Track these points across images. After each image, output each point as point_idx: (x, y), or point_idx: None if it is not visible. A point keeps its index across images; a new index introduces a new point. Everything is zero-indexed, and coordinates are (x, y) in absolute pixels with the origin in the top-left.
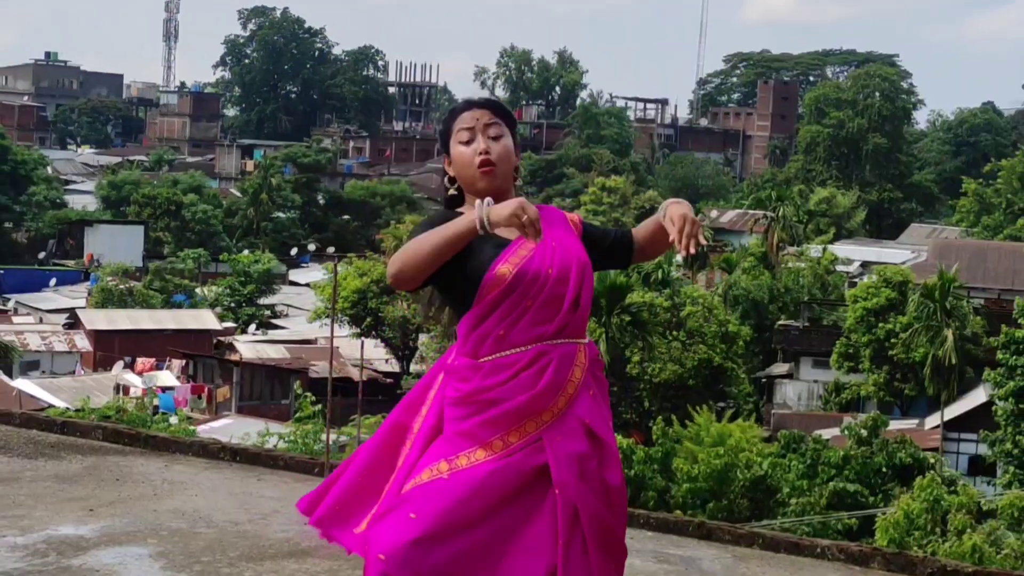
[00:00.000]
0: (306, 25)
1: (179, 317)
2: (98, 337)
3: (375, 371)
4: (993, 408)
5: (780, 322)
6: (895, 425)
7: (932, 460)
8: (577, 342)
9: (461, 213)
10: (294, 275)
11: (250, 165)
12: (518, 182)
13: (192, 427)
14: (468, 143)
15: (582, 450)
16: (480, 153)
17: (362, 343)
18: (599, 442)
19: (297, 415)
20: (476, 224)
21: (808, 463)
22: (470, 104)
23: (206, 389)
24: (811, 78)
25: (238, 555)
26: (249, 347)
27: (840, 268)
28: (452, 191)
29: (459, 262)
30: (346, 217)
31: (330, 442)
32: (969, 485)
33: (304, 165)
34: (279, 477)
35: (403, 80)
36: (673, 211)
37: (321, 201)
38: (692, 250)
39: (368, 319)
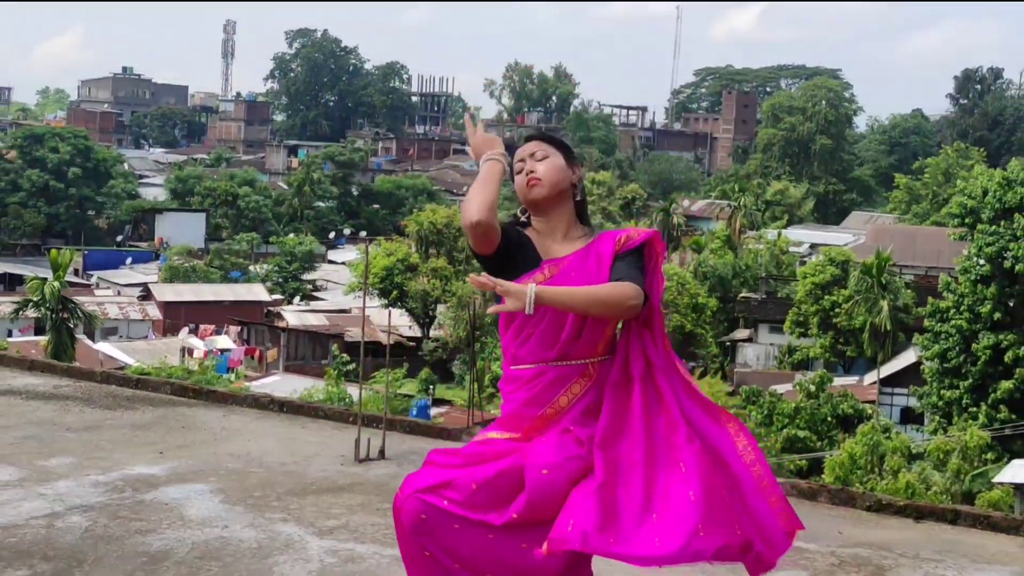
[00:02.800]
0: (342, 44)
1: (235, 290)
2: (167, 307)
3: (400, 335)
4: (921, 367)
5: (742, 295)
6: (839, 381)
7: (870, 411)
8: (581, 362)
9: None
10: (332, 255)
11: (295, 162)
12: (578, 197)
13: (247, 383)
14: (521, 166)
15: (553, 460)
16: (527, 172)
17: (389, 312)
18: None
19: (327, 376)
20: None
21: (765, 413)
22: (525, 140)
23: (257, 351)
24: (768, 89)
25: (285, 491)
26: (294, 315)
27: (792, 249)
28: (524, 219)
29: (505, 260)
30: (376, 206)
31: (362, 395)
32: (901, 432)
33: (340, 162)
34: (319, 425)
35: (424, 91)
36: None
37: (355, 192)
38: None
39: (394, 292)
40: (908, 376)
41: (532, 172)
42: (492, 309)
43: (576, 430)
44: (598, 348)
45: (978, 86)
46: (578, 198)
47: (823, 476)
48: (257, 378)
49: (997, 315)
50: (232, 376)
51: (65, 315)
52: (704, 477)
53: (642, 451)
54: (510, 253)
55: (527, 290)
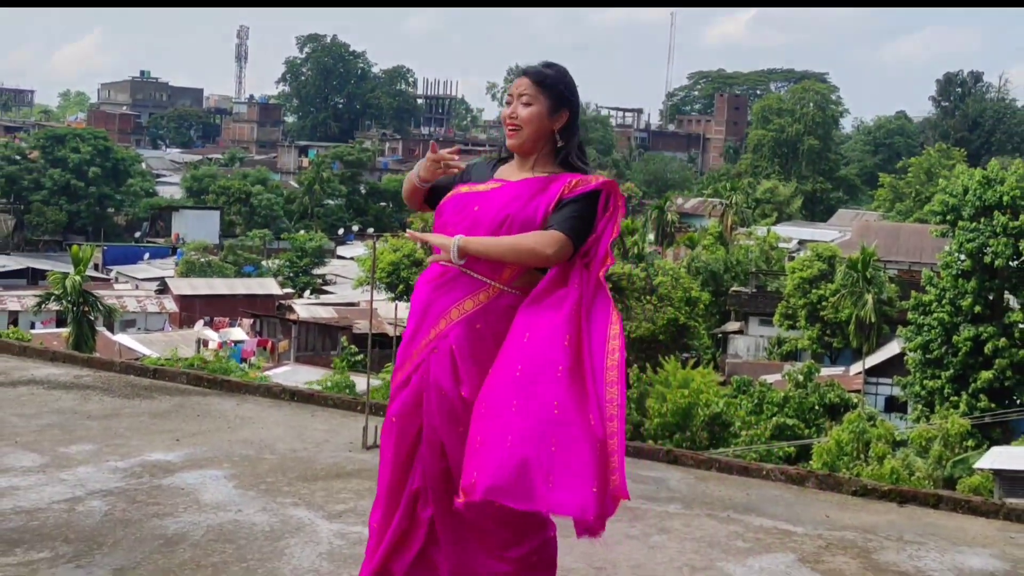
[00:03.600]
0: (351, 49)
1: (248, 284)
2: (183, 300)
3: None
4: (905, 358)
5: (733, 288)
6: (826, 371)
7: (855, 400)
8: (482, 280)
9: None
10: (341, 251)
11: (305, 162)
12: (559, 143)
13: (265, 373)
14: (508, 105)
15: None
16: (508, 116)
17: (396, 306)
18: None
19: (335, 366)
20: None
21: (755, 402)
22: (519, 73)
23: (270, 343)
24: (758, 92)
25: (295, 476)
26: (305, 308)
27: (781, 245)
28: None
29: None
30: (383, 204)
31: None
32: (886, 420)
33: (349, 162)
34: (328, 413)
35: (429, 93)
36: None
37: (363, 191)
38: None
39: (400, 286)
40: (892, 367)
41: (513, 117)
42: (409, 234)
43: (456, 349)
44: (503, 274)
45: (959, 89)
46: (559, 144)
47: (811, 462)
48: (269, 368)
49: (977, 308)
50: (246, 366)
51: (86, 308)
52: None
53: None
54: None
55: (451, 242)
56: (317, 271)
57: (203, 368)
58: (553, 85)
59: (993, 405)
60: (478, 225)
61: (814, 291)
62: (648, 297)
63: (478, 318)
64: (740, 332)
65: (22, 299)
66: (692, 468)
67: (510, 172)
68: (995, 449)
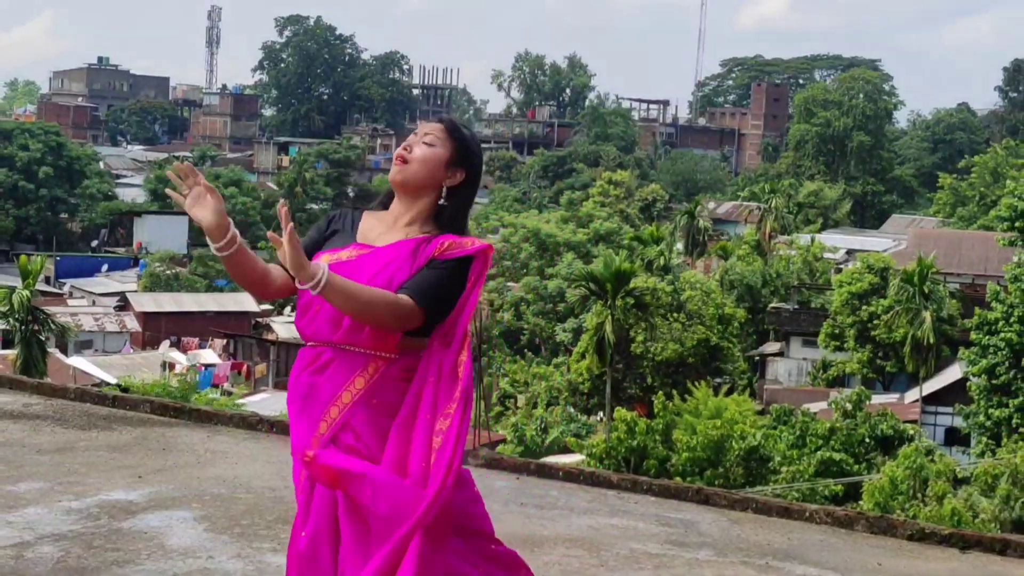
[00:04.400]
0: (337, 32)
1: (220, 300)
2: (146, 318)
3: None
4: (967, 384)
5: (772, 305)
6: (877, 399)
7: (911, 432)
8: (371, 353)
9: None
10: None
11: (286, 161)
12: (442, 200)
13: (238, 401)
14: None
15: (345, 468)
16: (401, 148)
17: None
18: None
19: None
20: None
21: (797, 434)
22: (438, 119)
23: (245, 366)
24: (800, 81)
25: (274, 519)
26: (284, 327)
27: (827, 255)
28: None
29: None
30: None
31: None
32: (946, 454)
33: (335, 161)
34: None
35: (426, 83)
36: None
37: (351, 194)
38: None
39: None
40: (953, 393)
41: (405, 148)
42: (270, 236)
43: (363, 433)
44: (388, 342)
45: None
46: (441, 201)
47: (861, 503)
48: (245, 396)
49: None
50: (217, 393)
51: (35, 327)
52: None
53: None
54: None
55: (319, 272)
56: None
57: (169, 394)
58: (463, 140)
59: None
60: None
61: (864, 308)
62: (675, 315)
63: (373, 394)
64: (780, 354)
65: None
66: (726, 509)
67: (378, 231)
68: None
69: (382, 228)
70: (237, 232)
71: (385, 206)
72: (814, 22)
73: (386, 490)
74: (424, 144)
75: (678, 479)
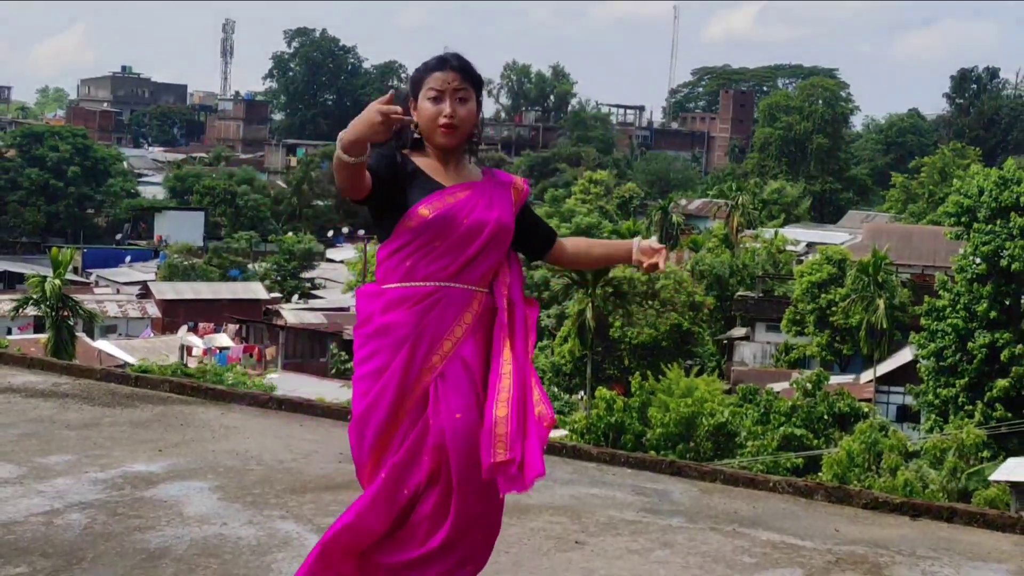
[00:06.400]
0: (341, 44)
1: (234, 288)
2: (166, 305)
3: None
4: (917, 366)
5: (739, 293)
6: (835, 380)
7: (866, 409)
8: (475, 290)
9: (399, 154)
10: (330, 253)
11: (293, 161)
12: (475, 139)
13: (251, 379)
14: (436, 100)
15: (462, 403)
16: (445, 115)
17: None
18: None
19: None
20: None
21: (762, 411)
22: (444, 64)
23: (256, 349)
24: (765, 88)
25: (283, 488)
26: (292, 314)
27: (789, 248)
28: (416, 136)
29: (390, 196)
30: None
31: None
32: (898, 430)
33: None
34: (317, 422)
35: None
36: (646, 245)
37: None
38: (658, 269)
39: None
40: (904, 374)
41: (450, 116)
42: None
43: (472, 363)
44: (487, 277)
45: (974, 85)
46: (475, 139)
47: (820, 474)
48: (256, 376)
49: (993, 313)
50: (236, 370)
51: (65, 313)
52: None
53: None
54: (397, 185)
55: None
56: (306, 275)
57: (194, 378)
58: (478, 79)
59: (1009, 415)
60: (471, 239)
61: (823, 296)
62: (650, 302)
63: (478, 328)
64: (746, 338)
65: None
66: (696, 480)
67: (442, 177)
68: (1011, 460)
69: (445, 173)
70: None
71: (417, 148)
72: (777, 34)
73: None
74: (459, 101)
75: (652, 452)
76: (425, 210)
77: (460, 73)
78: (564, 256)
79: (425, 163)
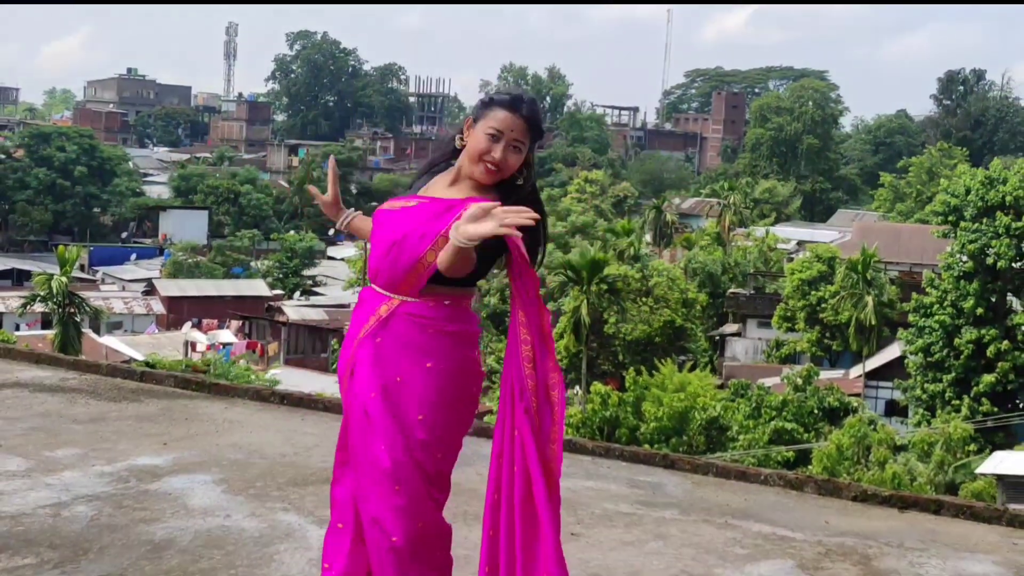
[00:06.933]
0: (341, 46)
1: (237, 286)
2: (170, 302)
3: None
4: (905, 361)
5: (731, 290)
6: (825, 375)
7: (855, 404)
8: (391, 296)
9: (448, 164)
10: (331, 251)
11: (295, 161)
12: (519, 181)
13: (255, 374)
14: (493, 139)
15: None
16: (492, 160)
17: None
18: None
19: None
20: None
21: (753, 406)
22: (516, 108)
23: (259, 345)
24: (756, 90)
25: (285, 481)
26: (294, 310)
27: (780, 246)
28: (459, 146)
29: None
30: (374, 204)
31: None
32: (886, 425)
33: (340, 161)
34: (319, 417)
35: (421, 91)
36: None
37: (354, 191)
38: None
39: None
40: (893, 370)
41: (497, 161)
42: (310, 188)
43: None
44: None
45: (961, 87)
46: (519, 182)
47: (810, 467)
48: (259, 371)
49: (979, 310)
50: (243, 363)
51: (71, 310)
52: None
53: None
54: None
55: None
56: (307, 272)
57: (203, 373)
58: (540, 131)
59: (995, 409)
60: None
61: (813, 293)
62: (644, 299)
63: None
64: (738, 335)
65: (7, 300)
66: (689, 473)
67: (444, 185)
68: (998, 454)
69: (443, 182)
70: (350, 213)
71: (453, 153)
72: (769, 37)
73: None
74: (514, 150)
75: (646, 446)
76: (384, 207)
77: (526, 124)
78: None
79: (442, 174)
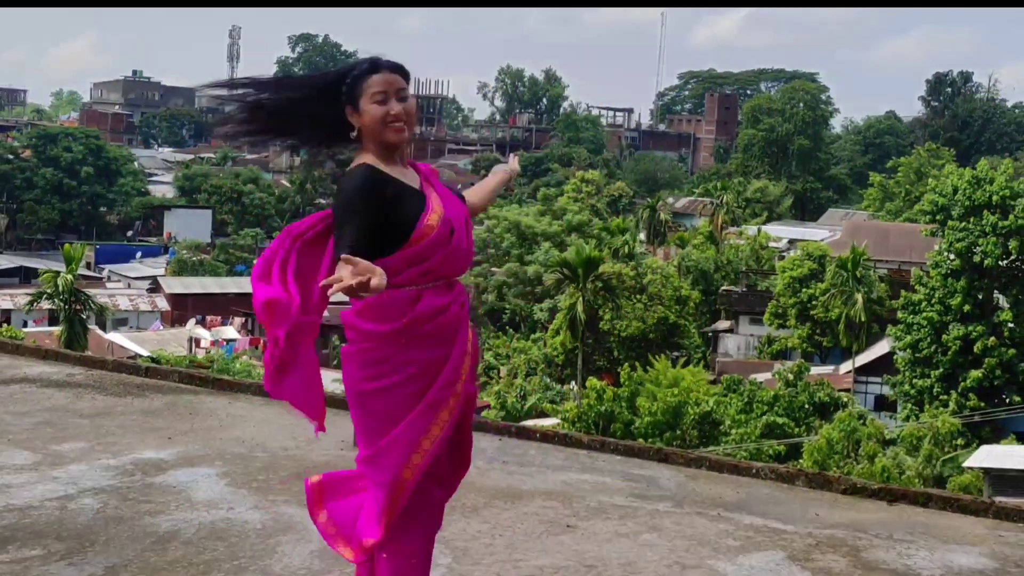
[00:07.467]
0: (342, 48)
1: (240, 283)
2: (175, 299)
3: None
4: (894, 357)
5: (723, 287)
6: (815, 370)
7: (845, 399)
8: (458, 283)
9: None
10: None
11: (297, 161)
12: (414, 130)
13: (257, 370)
14: (382, 102)
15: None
16: (394, 114)
17: None
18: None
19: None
20: None
21: (745, 401)
22: (378, 67)
23: (261, 341)
24: (748, 91)
25: (288, 474)
26: None
27: (771, 245)
28: (355, 137)
29: (391, 212)
30: None
31: None
32: (876, 419)
33: (341, 161)
34: None
35: (420, 93)
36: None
37: None
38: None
39: None
40: (882, 365)
41: (399, 116)
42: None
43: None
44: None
45: (949, 89)
46: (415, 131)
47: (801, 461)
48: (262, 367)
49: (966, 307)
50: (244, 360)
51: (78, 306)
52: None
53: None
54: (391, 214)
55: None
56: None
57: (207, 368)
58: (407, 72)
59: (982, 404)
60: (461, 246)
61: (804, 290)
62: (638, 296)
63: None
64: (730, 331)
65: (14, 298)
66: (682, 466)
67: (407, 176)
68: (984, 448)
69: (402, 174)
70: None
71: (386, 154)
72: (761, 40)
73: None
74: (403, 100)
75: (641, 440)
76: (433, 218)
77: (399, 73)
78: (474, 209)
79: (392, 170)
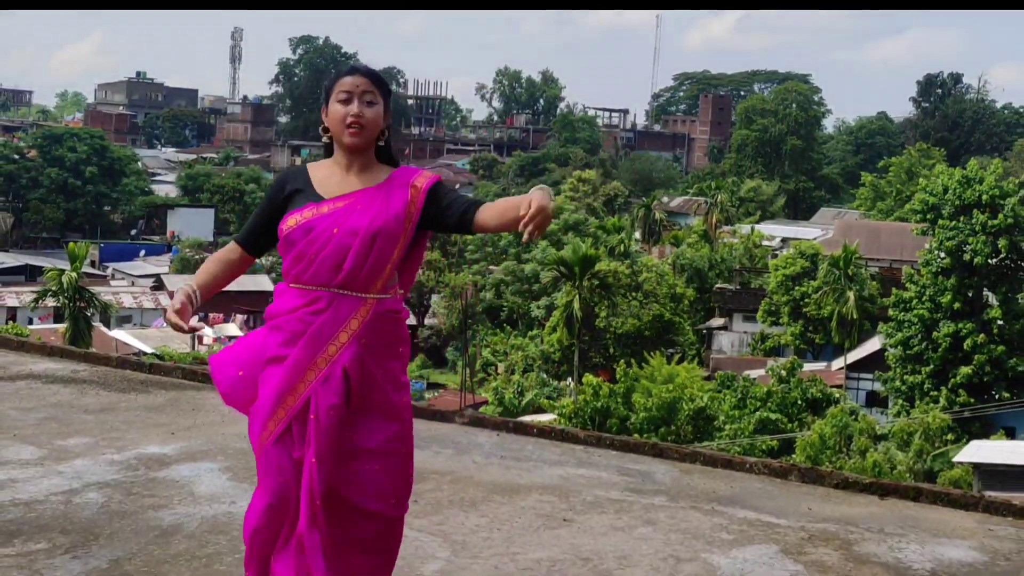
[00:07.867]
0: (343, 50)
1: (241, 280)
2: None
3: None
4: (885, 354)
5: (717, 285)
6: (808, 367)
7: (837, 395)
8: (362, 296)
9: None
10: None
11: (298, 161)
12: (381, 142)
13: None
14: (345, 103)
15: (337, 403)
16: (352, 115)
17: None
18: (358, 395)
19: None
20: None
21: (739, 397)
22: (354, 70)
23: None
24: (742, 92)
25: None
26: None
27: (764, 243)
28: (325, 139)
29: (278, 210)
30: None
31: None
32: (867, 415)
33: None
34: None
35: (419, 94)
36: (535, 197)
37: None
38: (530, 237)
39: None
40: (873, 362)
41: (357, 116)
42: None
43: (351, 372)
44: (376, 285)
45: (939, 90)
46: (381, 143)
47: (794, 456)
48: None
49: (956, 305)
50: None
51: (82, 304)
52: None
53: None
54: (276, 215)
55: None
56: None
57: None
58: (386, 86)
59: (972, 400)
60: (344, 248)
61: (797, 288)
62: (634, 294)
63: (364, 334)
64: (724, 328)
65: (20, 295)
66: (677, 461)
67: (336, 180)
68: (974, 443)
69: (338, 178)
70: (193, 293)
71: (327, 155)
72: (754, 42)
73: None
74: (367, 104)
75: (636, 435)
76: (291, 221)
77: (368, 78)
78: (486, 225)
79: (325, 172)
